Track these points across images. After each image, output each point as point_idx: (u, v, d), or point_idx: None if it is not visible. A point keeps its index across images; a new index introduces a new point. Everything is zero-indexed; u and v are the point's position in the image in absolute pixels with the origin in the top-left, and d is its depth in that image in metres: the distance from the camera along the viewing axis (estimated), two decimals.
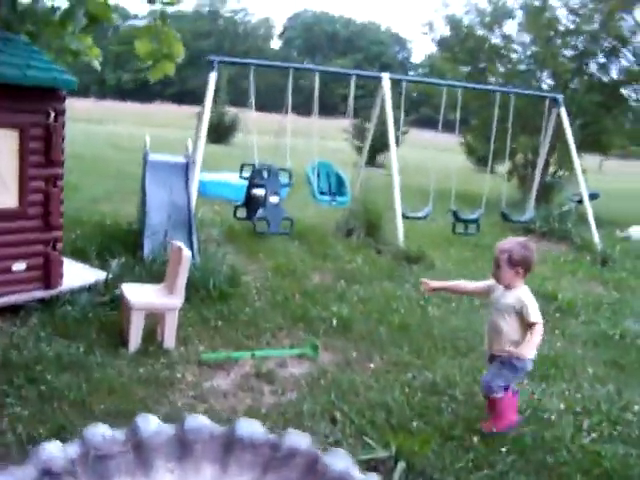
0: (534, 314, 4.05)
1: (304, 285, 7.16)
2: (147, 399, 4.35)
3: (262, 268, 7.66)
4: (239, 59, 10.93)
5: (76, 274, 5.98)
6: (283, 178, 8.62)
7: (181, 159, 8.08)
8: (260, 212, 8.35)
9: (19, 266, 5.48)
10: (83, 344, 5.03)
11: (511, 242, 4.19)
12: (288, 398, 4.60)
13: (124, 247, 6.99)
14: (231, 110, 27.37)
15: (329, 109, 24.11)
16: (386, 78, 9.51)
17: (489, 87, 12.67)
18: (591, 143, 14.91)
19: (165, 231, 6.85)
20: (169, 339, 5.16)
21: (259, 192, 8.81)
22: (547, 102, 10.86)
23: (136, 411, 3.63)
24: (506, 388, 4.22)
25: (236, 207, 8.55)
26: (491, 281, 4.32)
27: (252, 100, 8.60)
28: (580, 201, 11.31)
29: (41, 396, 4.21)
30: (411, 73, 50.86)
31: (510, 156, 14.88)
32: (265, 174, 8.53)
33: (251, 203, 9.01)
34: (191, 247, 7.10)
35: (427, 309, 6.79)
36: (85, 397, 4.25)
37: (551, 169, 15.59)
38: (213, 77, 8.36)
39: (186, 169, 7.90)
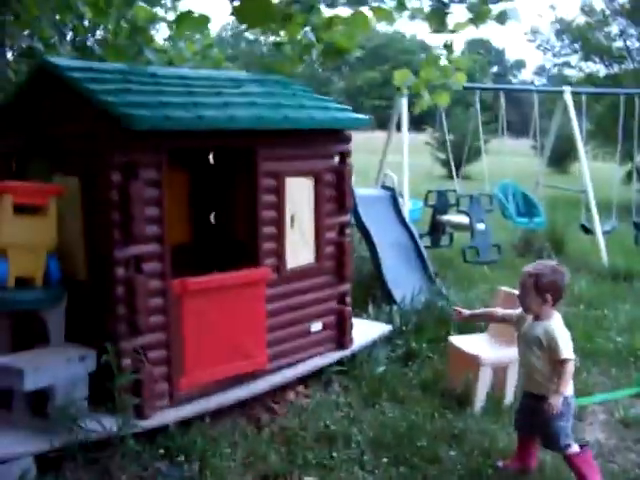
0: (565, 350, 3.57)
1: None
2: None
3: None
4: None
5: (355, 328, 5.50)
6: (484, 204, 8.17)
7: (383, 191, 7.65)
8: (470, 241, 7.88)
9: (316, 326, 5.02)
10: (418, 408, 4.56)
11: (540, 265, 3.73)
12: None
13: (366, 292, 6.52)
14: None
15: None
16: (568, 92, 9.08)
17: None
18: None
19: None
20: (509, 393, 4.67)
21: (453, 218, 8.42)
22: None
23: None
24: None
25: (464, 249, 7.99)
26: (521, 314, 3.84)
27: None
28: None
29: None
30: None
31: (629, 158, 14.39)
32: (467, 201, 8.08)
33: (437, 230, 8.62)
34: (432, 285, 6.64)
35: None
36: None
37: None
38: (404, 102, 7.95)
39: (393, 202, 7.45)
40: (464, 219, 8.19)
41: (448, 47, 4.99)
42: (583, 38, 14.48)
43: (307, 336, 4.94)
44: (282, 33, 5.26)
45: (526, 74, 67.64)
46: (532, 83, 36.94)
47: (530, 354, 3.70)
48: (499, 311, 4.18)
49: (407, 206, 7.63)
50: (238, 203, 5.20)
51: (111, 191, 3.72)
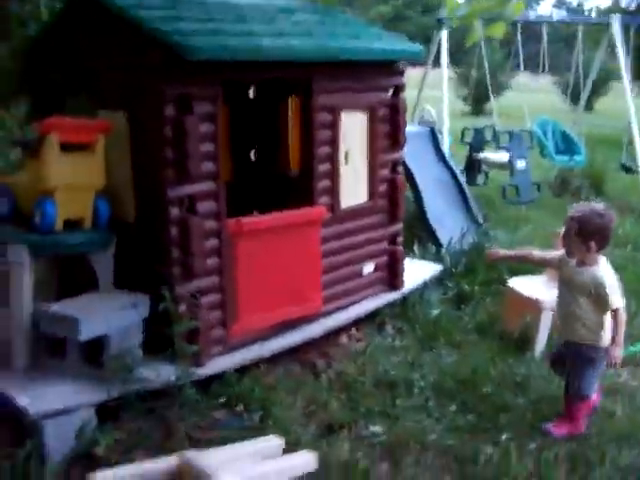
0: (615, 298, 3.36)
1: None
2: None
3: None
4: None
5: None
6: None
7: (422, 127, 7.34)
8: (510, 179, 7.60)
9: (369, 268, 4.81)
10: (476, 352, 4.40)
11: (585, 208, 3.47)
12: None
13: (410, 233, 6.28)
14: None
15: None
16: (616, 22, 8.58)
17: None
18: None
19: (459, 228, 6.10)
20: None
21: (491, 156, 8.12)
22: None
23: None
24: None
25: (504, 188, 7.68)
26: (561, 258, 3.62)
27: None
28: None
29: None
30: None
31: None
32: (507, 137, 7.76)
33: (472, 168, 8.33)
34: (478, 226, 6.41)
35: None
36: None
37: None
38: (444, 35, 7.54)
39: (433, 138, 7.14)
40: (503, 156, 7.89)
41: None
42: None
43: (359, 278, 4.75)
44: None
45: (545, 7, 65.72)
46: (551, 16, 35.80)
47: (573, 301, 3.51)
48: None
49: (446, 143, 7.31)
50: (283, 139, 4.96)
51: (165, 126, 3.47)
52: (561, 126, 8.91)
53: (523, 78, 25.60)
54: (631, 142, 8.55)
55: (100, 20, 3.75)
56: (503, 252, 4.16)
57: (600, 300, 3.43)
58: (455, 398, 3.87)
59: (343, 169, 4.44)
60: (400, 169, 4.89)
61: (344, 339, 4.62)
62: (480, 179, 8.37)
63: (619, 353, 3.39)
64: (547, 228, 6.95)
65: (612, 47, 8.78)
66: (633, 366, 4.38)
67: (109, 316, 3.47)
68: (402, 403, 3.82)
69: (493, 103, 7.48)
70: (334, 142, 4.33)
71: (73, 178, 3.54)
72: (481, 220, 6.44)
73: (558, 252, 3.73)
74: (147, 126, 3.59)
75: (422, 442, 3.46)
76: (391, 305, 4.93)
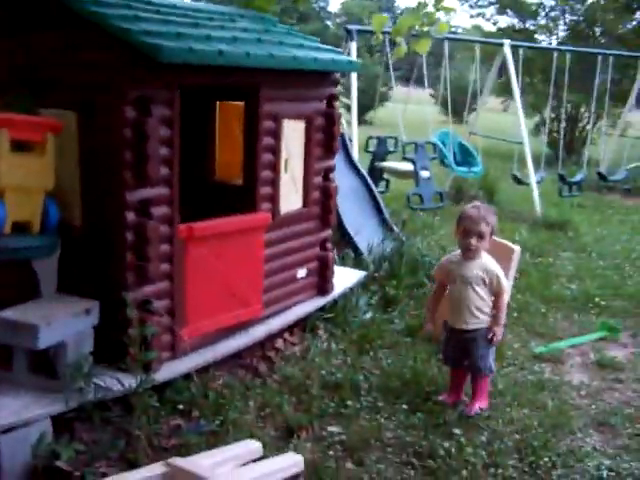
0: (504, 283, 3.90)
1: None
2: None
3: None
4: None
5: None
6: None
7: None
8: (414, 188, 7.94)
9: (302, 273, 4.90)
10: (411, 354, 4.60)
11: (490, 211, 3.91)
12: None
13: None
14: None
15: None
16: (507, 45, 9.19)
17: (592, 50, 12.26)
18: None
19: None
20: None
21: (395, 165, 8.46)
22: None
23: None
24: None
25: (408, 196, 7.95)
26: (443, 266, 4.03)
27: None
28: None
29: None
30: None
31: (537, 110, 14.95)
32: (411, 148, 8.11)
33: (374, 176, 8.60)
34: (392, 232, 6.66)
35: None
36: None
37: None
38: (354, 46, 7.77)
39: (343, 146, 7.32)
40: (406, 166, 8.22)
41: None
42: None
43: (294, 282, 4.82)
44: None
45: None
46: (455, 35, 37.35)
47: (469, 292, 3.86)
48: (437, 298, 4.09)
49: (356, 151, 7.52)
50: (209, 146, 4.97)
51: (124, 128, 3.39)
52: (459, 138, 9.39)
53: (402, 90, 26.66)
54: (519, 157, 9.16)
55: (50, 14, 3.60)
56: (429, 325, 4.16)
57: (493, 286, 3.85)
58: (402, 397, 4.02)
59: (283, 176, 4.50)
60: (332, 177, 5.00)
61: (279, 343, 4.66)
62: (381, 186, 8.66)
63: (501, 331, 3.94)
64: (452, 234, 7.36)
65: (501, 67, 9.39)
66: (553, 363, 4.75)
67: (65, 323, 3.33)
68: (353, 404, 3.92)
69: (400, 116, 7.78)
70: (276, 150, 4.39)
71: (23, 178, 3.37)
72: (395, 228, 6.67)
73: (438, 272, 4.10)
74: (101, 127, 3.48)
75: (381, 440, 3.59)
76: (321, 309, 5.03)
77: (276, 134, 4.36)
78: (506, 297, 3.92)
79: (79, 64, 3.52)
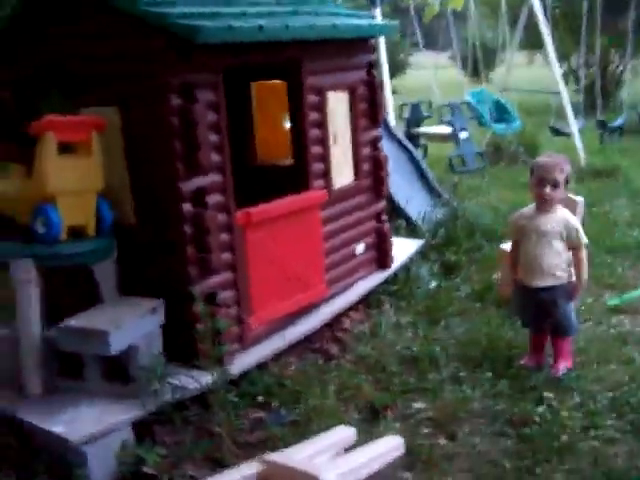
0: (583, 235, 3.68)
1: None
2: None
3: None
4: None
5: None
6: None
7: None
8: (455, 150, 7.71)
9: (360, 248, 4.75)
10: (483, 319, 4.44)
11: (563, 159, 3.74)
12: None
13: None
14: None
15: None
16: None
17: None
18: None
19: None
20: None
21: (432, 129, 8.24)
22: None
23: None
24: None
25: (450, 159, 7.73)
26: (515, 221, 3.83)
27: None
28: None
29: None
30: None
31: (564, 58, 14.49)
32: (447, 111, 7.87)
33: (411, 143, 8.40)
34: (441, 198, 6.47)
35: None
36: None
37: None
38: (378, 12, 7.52)
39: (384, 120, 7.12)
40: (444, 129, 7.99)
41: None
42: None
43: (353, 259, 4.68)
44: None
45: None
46: None
47: (547, 248, 3.66)
48: (512, 248, 3.93)
49: (392, 119, 7.30)
50: (248, 129, 4.82)
51: (171, 117, 3.25)
52: (493, 96, 9.10)
53: (421, 57, 26.25)
54: (557, 108, 8.85)
55: (76, 8, 3.46)
56: (506, 286, 4.17)
57: (572, 240, 3.65)
58: (482, 365, 3.86)
59: (333, 150, 4.33)
60: (380, 146, 4.83)
61: (347, 322, 4.53)
62: (419, 152, 8.45)
63: (584, 283, 3.75)
64: (501, 194, 7.18)
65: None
66: (630, 314, 4.55)
67: (134, 325, 3.23)
68: (433, 377, 3.78)
69: (433, 79, 7.57)
70: (323, 124, 4.22)
71: (74, 181, 3.27)
72: (443, 193, 6.48)
73: (512, 228, 3.87)
74: (146, 119, 3.35)
75: (470, 411, 3.44)
76: (383, 283, 4.88)
77: (321, 108, 4.19)
78: (585, 251, 3.72)
79: (115, 57, 3.38)
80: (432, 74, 8.57)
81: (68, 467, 2.91)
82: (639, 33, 10.27)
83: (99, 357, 3.24)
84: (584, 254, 3.71)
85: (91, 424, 3.01)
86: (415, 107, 8.31)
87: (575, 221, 3.72)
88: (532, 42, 12.76)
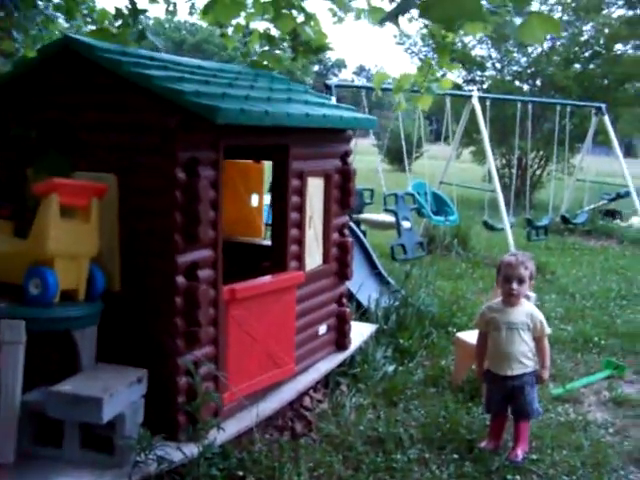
0: (547, 327, 4.04)
1: None
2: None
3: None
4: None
5: None
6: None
7: None
8: (397, 239, 8.04)
9: (323, 329, 4.88)
10: (440, 403, 4.62)
11: (526, 256, 4.07)
12: None
13: None
14: None
15: None
16: (475, 97, 9.56)
17: (551, 100, 12.80)
18: None
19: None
20: None
21: (375, 217, 8.59)
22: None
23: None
24: None
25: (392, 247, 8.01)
26: (484, 314, 4.11)
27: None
28: (613, 199, 12.07)
29: None
30: None
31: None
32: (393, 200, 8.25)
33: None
34: (386, 285, 6.72)
35: None
36: None
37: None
38: (334, 101, 7.91)
39: None
40: (386, 217, 8.34)
41: (443, 49, 5.02)
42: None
43: (316, 339, 4.79)
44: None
45: (346, 74, 70.14)
46: (352, 81, 38.59)
47: (516, 338, 3.95)
48: (480, 339, 4.17)
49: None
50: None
51: (175, 190, 3.36)
52: (433, 189, 9.60)
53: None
54: (490, 204, 9.43)
55: (92, 74, 3.55)
56: (478, 372, 4.33)
57: (537, 330, 3.97)
58: (446, 447, 4.02)
59: (307, 233, 4.51)
60: (347, 232, 5.05)
61: (307, 401, 4.60)
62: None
63: (548, 373, 4.09)
64: (439, 284, 7.50)
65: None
66: (572, 403, 4.85)
67: (123, 394, 3.21)
68: (401, 457, 3.89)
69: (379, 168, 7.97)
70: (302, 207, 4.41)
71: (71, 245, 3.28)
72: (390, 280, 6.74)
73: (479, 321, 4.16)
74: (148, 189, 3.44)
75: None
76: (341, 365, 5.00)
77: (302, 192, 4.39)
78: (547, 339, 4.02)
79: (123, 127, 3.48)
80: (379, 163, 8.97)
81: None
82: (562, 142, 11.15)
83: (81, 425, 3.19)
84: (547, 343, 4.00)
85: None
86: (358, 194, 8.64)
87: (539, 313, 4.02)
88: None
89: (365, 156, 16.81)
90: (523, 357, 3.94)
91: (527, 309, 4.01)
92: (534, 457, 3.96)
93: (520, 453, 3.93)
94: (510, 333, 3.94)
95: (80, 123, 3.60)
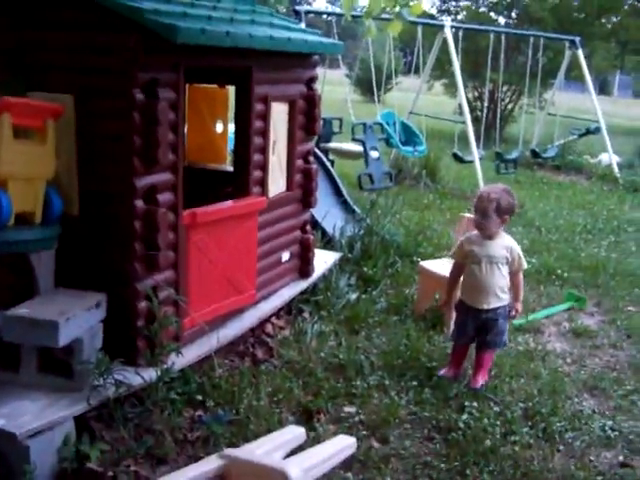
0: (523, 260, 4.08)
1: None
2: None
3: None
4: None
5: None
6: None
7: None
8: (365, 169, 7.98)
9: (286, 256, 4.87)
10: (401, 331, 4.69)
11: (497, 189, 3.99)
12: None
13: None
14: None
15: None
16: (447, 26, 9.36)
17: (524, 32, 12.59)
18: None
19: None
20: None
21: (343, 146, 8.50)
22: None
23: None
24: None
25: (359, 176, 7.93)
26: (462, 246, 4.09)
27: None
28: (583, 134, 12.08)
29: None
30: None
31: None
32: (360, 129, 8.15)
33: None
34: (355, 213, 6.71)
35: None
36: None
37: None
38: (303, 27, 7.70)
39: None
40: (355, 147, 8.26)
41: None
42: None
43: (279, 266, 4.78)
44: None
45: (321, 2, 68.32)
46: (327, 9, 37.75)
47: (495, 272, 3.96)
48: (454, 270, 4.21)
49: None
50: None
51: (134, 113, 3.25)
52: (402, 119, 9.47)
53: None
54: (460, 136, 9.37)
55: None
56: (446, 305, 4.40)
57: (515, 264, 3.98)
58: (406, 374, 4.09)
59: (271, 159, 4.44)
60: (312, 159, 4.98)
61: (269, 328, 4.63)
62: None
63: (521, 307, 4.17)
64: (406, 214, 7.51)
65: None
66: (533, 333, 4.95)
67: (81, 318, 3.18)
68: (361, 384, 3.95)
69: (348, 97, 7.83)
70: (265, 133, 4.32)
71: (26, 167, 3.18)
72: (356, 209, 6.72)
73: (457, 250, 4.15)
74: (105, 112, 3.32)
75: (398, 417, 3.64)
76: (304, 292, 5.02)
77: (265, 117, 4.29)
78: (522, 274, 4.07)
79: (79, 47, 3.33)
80: (347, 92, 8.82)
81: (8, 462, 2.84)
82: (535, 76, 11.06)
83: (39, 349, 3.17)
84: (522, 277, 4.05)
85: (32, 418, 2.93)
86: (326, 122, 8.52)
87: (518, 247, 4.03)
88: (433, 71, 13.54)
89: (337, 87, 16.52)
90: (500, 291, 3.96)
91: (506, 243, 4.00)
92: (493, 385, 4.04)
93: (480, 380, 4.01)
94: (490, 267, 3.94)
95: (34, 42, 3.43)
